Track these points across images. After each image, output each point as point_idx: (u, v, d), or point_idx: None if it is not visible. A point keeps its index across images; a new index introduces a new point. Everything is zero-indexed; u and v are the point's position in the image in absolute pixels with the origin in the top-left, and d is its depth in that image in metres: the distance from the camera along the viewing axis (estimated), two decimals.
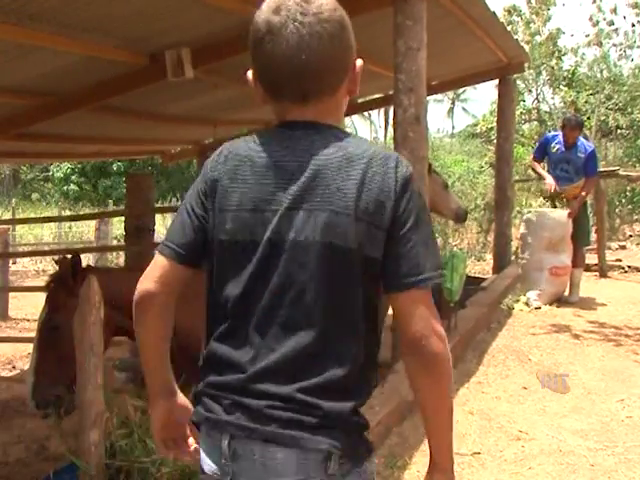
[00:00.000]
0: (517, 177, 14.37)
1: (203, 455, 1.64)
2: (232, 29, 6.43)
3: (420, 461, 4.13)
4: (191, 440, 1.89)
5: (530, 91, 21.78)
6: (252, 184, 1.60)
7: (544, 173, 8.69)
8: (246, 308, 1.58)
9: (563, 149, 8.49)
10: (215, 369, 1.61)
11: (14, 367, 10.00)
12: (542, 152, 8.87)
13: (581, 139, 8.61)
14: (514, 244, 10.88)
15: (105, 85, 7.24)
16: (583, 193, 8.40)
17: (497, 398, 5.25)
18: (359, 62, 1.69)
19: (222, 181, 1.63)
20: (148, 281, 1.69)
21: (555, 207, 8.51)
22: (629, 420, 4.74)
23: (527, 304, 8.25)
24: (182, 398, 1.87)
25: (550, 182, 8.40)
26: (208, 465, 1.62)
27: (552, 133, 9.22)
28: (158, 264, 1.70)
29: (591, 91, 20.74)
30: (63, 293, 3.98)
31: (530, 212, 8.84)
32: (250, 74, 1.69)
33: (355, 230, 1.52)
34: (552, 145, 8.63)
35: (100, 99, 7.61)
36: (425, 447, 4.17)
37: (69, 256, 4.06)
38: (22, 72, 6.72)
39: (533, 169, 9.34)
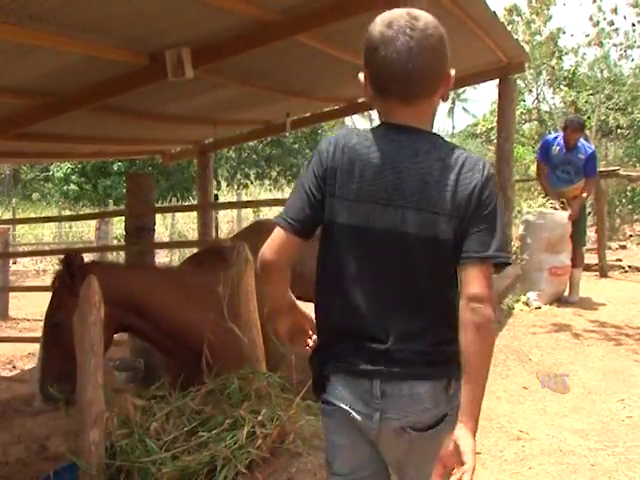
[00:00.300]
0: (517, 177, 14.36)
1: (339, 395, 2.08)
2: (232, 29, 6.43)
3: None
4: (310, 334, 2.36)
5: (530, 91, 21.77)
6: (369, 180, 1.96)
7: (550, 191, 8.72)
8: (369, 286, 2.01)
9: (564, 151, 8.47)
10: (346, 340, 2.06)
11: (14, 367, 10.00)
12: (545, 154, 8.85)
13: (582, 140, 8.60)
14: (514, 244, 10.87)
15: (105, 85, 7.23)
16: (584, 194, 8.40)
17: (497, 398, 5.24)
18: (452, 72, 2.07)
19: (340, 171, 1.98)
20: (269, 251, 2.11)
21: (556, 209, 8.50)
22: (629, 420, 4.74)
23: (527, 304, 8.27)
24: (301, 307, 2.43)
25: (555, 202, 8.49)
26: (340, 400, 2.08)
27: (552, 135, 9.20)
28: (277, 235, 2.09)
29: (591, 91, 20.73)
30: (65, 291, 4.00)
31: (529, 212, 8.83)
32: (362, 76, 2.08)
33: (451, 226, 1.93)
34: (553, 147, 8.63)
35: (100, 99, 7.61)
36: None
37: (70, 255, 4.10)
38: (22, 72, 6.71)
39: (539, 178, 9.31)
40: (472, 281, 1.91)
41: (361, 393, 2.04)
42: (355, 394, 2.05)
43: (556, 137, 8.79)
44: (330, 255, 2.11)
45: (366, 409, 2.04)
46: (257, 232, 7.33)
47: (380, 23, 2.11)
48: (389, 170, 1.94)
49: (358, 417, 2.06)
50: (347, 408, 2.07)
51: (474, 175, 1.94)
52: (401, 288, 2.00)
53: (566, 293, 8.64)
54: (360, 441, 2.12)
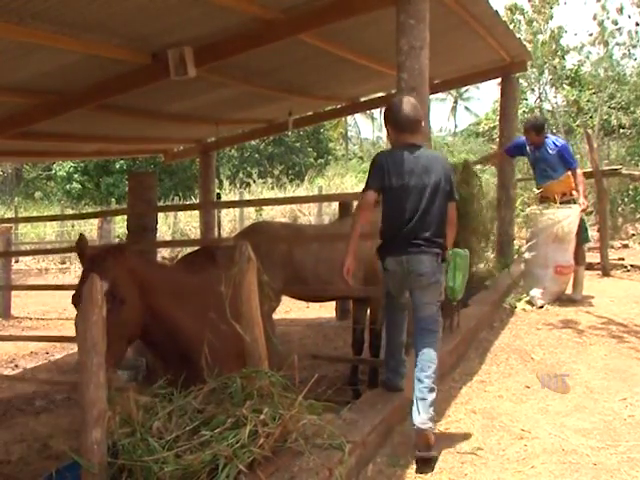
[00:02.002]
0: (519, 176, 14.35)
1: (390, 264, 4.50)
2: (235, 28, 6.44)
3: None
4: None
5: (533, 90, 21.78)
6: (402, 166, 4.40)
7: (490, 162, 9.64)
8: (405, 213, 4.38)
9: (533, 149, 8.64)
10: (394, 240, 4.46)
11: (16, 366, 10.01)
12: (514, 152, 9.27)
13: (549, 136, 8.70)
14: (517, 243, 10.87)
15: (107, 84, 7.24)
16: (580, 188, 8.39)
17: (500, 397, 5.25)
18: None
19: (388, 163, 4.44)
20: (365, 200, 4.52)
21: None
22: (632, 419, 4.73)
23: (530, 302, 8.26)
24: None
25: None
26: (391, 267, 4.49)
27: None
28: (367, 193, 4.48)
29: (594, 90, 20.73)
30: (124, 266, 3.92)
31: (534, 209, 8.81)
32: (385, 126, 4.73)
33: (445, 183, 4.44)
34: (527, 148, 8.77)
35: (102, 98, 7.62)
36: None
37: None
38: (24, 71, 6.72)
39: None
40: (451, 210, 4.60)
41: (401, 262, 4.44)
42: (397, 263, 4.47)
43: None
44: (389, 202, 4.50)
45: (400, 267, 4.46)
46: (256, 233, 7.34)
47: (398, 102, 4.68)
48: (411, 162, 4.43)
49: (397, 271, 4.49)
50: (393, 270, 4.52)
51: (447, 164, 4.69)
52: (420, 213, 4.38)
53: (569, 291, 8.63)
54: (399, 282, 4.57)
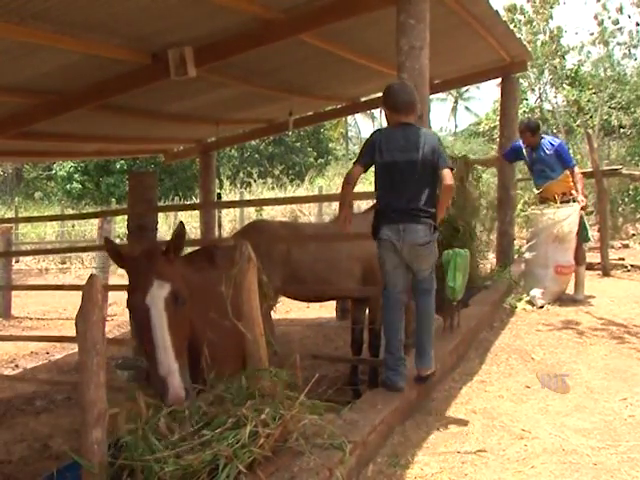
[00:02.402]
0: (520, 176, 14.34)
1: (385, 234, 4.78)
2: (235, 28, 6.44)
3: (423, 460, 4.14)
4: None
5: (533, 90, 21.77)
6: (394, 143, 4.81)
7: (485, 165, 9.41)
8: (397, 185, 4.79)
9: (530, 151, 8.70)
10: (388, 209, 4.80)
11: (17, 366, 10.01)
12: (511, 157, 9.34)
13: (545, 137, 8.75)
14: (517, 243, 10.87)
15: (108, 84, 7.24)
16: (579, 186, 8.39)
17: (500, 397, 5.25)
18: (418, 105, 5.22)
19: (381, 141, 4.85)
20: (350, 175, 4.96)
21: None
22: (632, 419, 4.73)
23: (531, 302, 8.26)
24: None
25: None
26: (386, 236, 4.77)
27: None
28: (354, 167, 4.94)
29: (594, 90, 20.73)
30: (177, 266, 3.85)
31: (534, 209, 8.80)
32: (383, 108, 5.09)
33: (434, 155, 4.78)
34: (524, 151, 8.83)
35: (103, 98, 7.62)
36: (427, 445, 4.18)
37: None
38: (25, 71, 6.73)
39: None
40: (445, 176, 4.75)
41: (395, 231, 4.75)
42: (392, 231, 4.76)
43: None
44: (382, 176, 4.89)
45: (397, 236, 4.75)
46: (253, 232, 7.35)
47: (395, 86, 5.14)
48: (403, 139, 4.82)
49: (394, 242, 4.76)
50: (389, 239, 4.78)
51: (434, 138, 4.95)
52: (412, 185, 4.77)
53: (571, 292, 8.63)
54: (394, 255, 4.81)
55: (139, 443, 3.21)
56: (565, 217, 8.17)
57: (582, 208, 8.27)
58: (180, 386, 3.37)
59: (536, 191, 8.96)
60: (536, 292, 8.33)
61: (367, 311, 7.59)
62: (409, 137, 4.83)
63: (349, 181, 4.97)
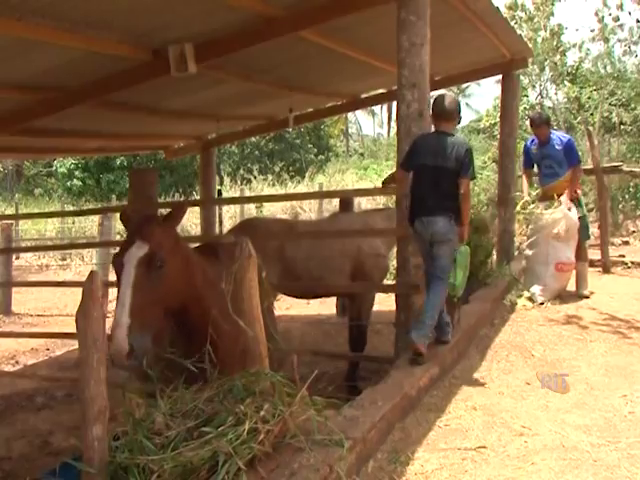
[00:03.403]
0: (520, 173, 14.33)
1: (417, 227, 5.64)
2: (235, 24, 6.43)
3: (423, 456, 4.14)
4: None
5: (534, 87, 21.77)
6: (430, 148, 5.60)
7: (525, 191, 9.03)
8: (425, 185, 5.61)
9: (540, 148, 8.66)
10: (417, 204, 5.65)
11: (17, 362, 10.02)
12: (529, 160, 9.08)
13: (554, 133, 8.79)
14: (517, 240, 10.86)
15: (108, 80, 7.24)
16: (575, 184, 8.41)
17: (500, 393, 5.25)
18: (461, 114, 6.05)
19: (420, 145, 5.67)
20: (397, 176, 6.15)
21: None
22: (632, 416, 4.73)
23: (531, 299, 8.26)
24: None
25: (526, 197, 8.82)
26: (416, 227, 5.65)
27: (530, 138, 9.23)
28: (399, 171, 6.00)
29: (595, 87, 20.71)
30: (168, 234, 3.89)
31: (533, 207, 8.79)
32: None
33: (457, 163, 5.52)
34: (532, 148, 8.81)
35: (103, 94, 7.62)
36: (427, 442, 4.18)
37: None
38: (25, 67, 6.72)
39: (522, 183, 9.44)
40: (464, 185, 5.55)
41: (423, 223, 5.56)
42: (420, 223, 5.58)
43: (533, 139, 8.93)
44: (415, 176, 5.69)
45: (422, 227, 5.58)
46: (246, 229, 7.36)
47: (439, 97, 5.84)
48: (437, 146, 5.56)
49: (421, 232, 5.61)
50: (418, 231, 5.63)
51: (463, 149, 5.57)
52: (438, 187, 5.51)
53: (571, 289, 8.64)
54: (422, 244, 5.70)
55: (133, 444, 3.21)
56: (565, 215, 8.19)
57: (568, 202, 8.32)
58: (124, 340, 3.40)
59: (535, 191, 8.98)
60: (536, 289, 8.33)
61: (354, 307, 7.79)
62: (440, 144, 5.59)
63: (398, 182, 6.22)
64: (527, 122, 20.43)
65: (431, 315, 5.51)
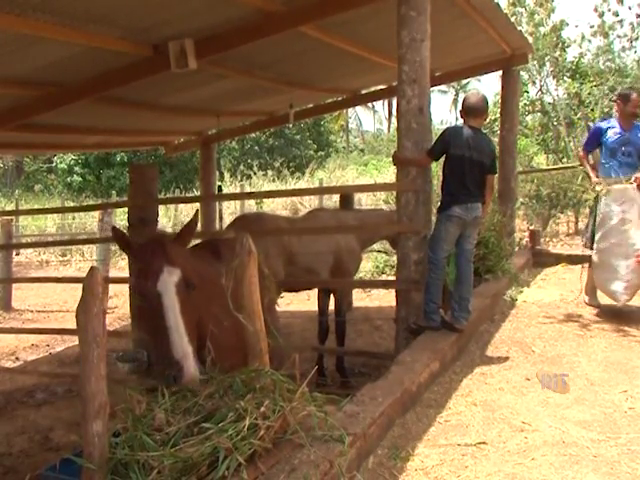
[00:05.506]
0: (521, 169, 14.33)
1: (456, 211, 6.00)
2: (236, 20, 6.43)
3: (423, 452, 4.14)
4: None
5: (534, 82, 21.68)
6: (463, 141, 5.98)
7: (592, 174, 7.80)
8: (465, 175, 6.02)
9: (621, 132, 7.58)
10: (456, 197, 6.02)
11: (17, 358, 10.02)
12: (593, 144, 7.94)
13: (635, 122, 7.68)
14: (517, 235, 10.86)
15: (108, 76, 7.24)
16: None
17: (500, 389, 5.25)
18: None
19: (452, 136, 6.06)
20: (424, 161, 6.23)
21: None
22: (632, 411, 4.74)
23: (614, 298, 7.40)
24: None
25: (597, 180, 7.62)
26: (457, 212, 6.00)
27: (604, 122, 8.19)
28: (427, 159, 6.22)
29: (595, 82, 20.67)
30: (186, 253, 3.96)
31: (601, 187, 7.56)
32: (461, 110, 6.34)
33: (489, 159, 6.16)
34: (607, 133, 7.68)
35: (103, 90, 7.61)
36: (427, 438, 4.18)
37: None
38: (25, 63, 6.72)
39: (582, 165, 8.37)
40: (491, 181, 6.30)
41: (468, 209, 6.01)
42: (461, 209, 5.98)
43: (609, 121, 7.95)
44: (450, 166, 6.08)
45: (465, 213, 6.00)
46: (243, 225, 7.39)
47: (470, 94, 6.38)
48: (472, 140, 5.99)
49: (462, 216, 6.00)
50: (458, 215, 5.99)
51: (493, 146, 6.36)
52: (475, 178, 6.05)
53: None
54: (457, 228, 6.08)
55: (134, 440, 3.21)
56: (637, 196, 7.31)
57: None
58: (195, 367, 3.49)
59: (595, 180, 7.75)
60: (618, 287, 7.29)
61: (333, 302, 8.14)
62: (477, 140, 6.05)
63: (420, 164, 6.27)
64: (528, 117, 20.45)
65: (471, 298, 6.30)
